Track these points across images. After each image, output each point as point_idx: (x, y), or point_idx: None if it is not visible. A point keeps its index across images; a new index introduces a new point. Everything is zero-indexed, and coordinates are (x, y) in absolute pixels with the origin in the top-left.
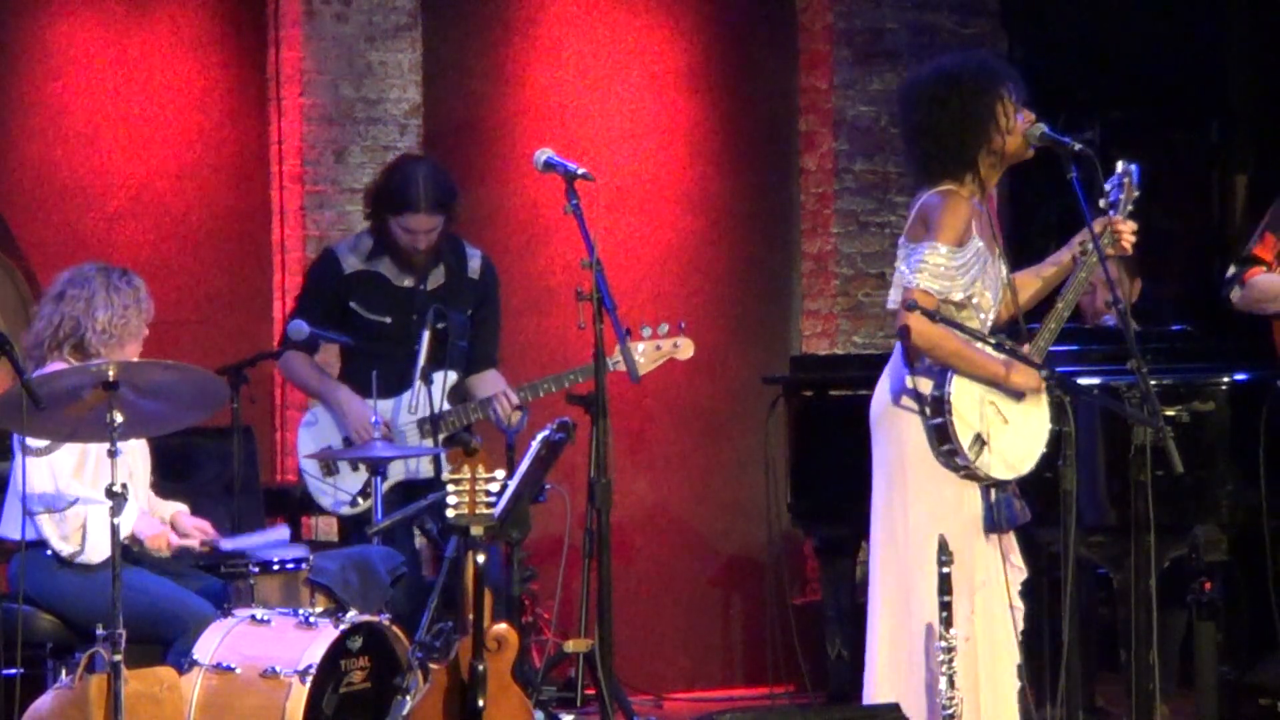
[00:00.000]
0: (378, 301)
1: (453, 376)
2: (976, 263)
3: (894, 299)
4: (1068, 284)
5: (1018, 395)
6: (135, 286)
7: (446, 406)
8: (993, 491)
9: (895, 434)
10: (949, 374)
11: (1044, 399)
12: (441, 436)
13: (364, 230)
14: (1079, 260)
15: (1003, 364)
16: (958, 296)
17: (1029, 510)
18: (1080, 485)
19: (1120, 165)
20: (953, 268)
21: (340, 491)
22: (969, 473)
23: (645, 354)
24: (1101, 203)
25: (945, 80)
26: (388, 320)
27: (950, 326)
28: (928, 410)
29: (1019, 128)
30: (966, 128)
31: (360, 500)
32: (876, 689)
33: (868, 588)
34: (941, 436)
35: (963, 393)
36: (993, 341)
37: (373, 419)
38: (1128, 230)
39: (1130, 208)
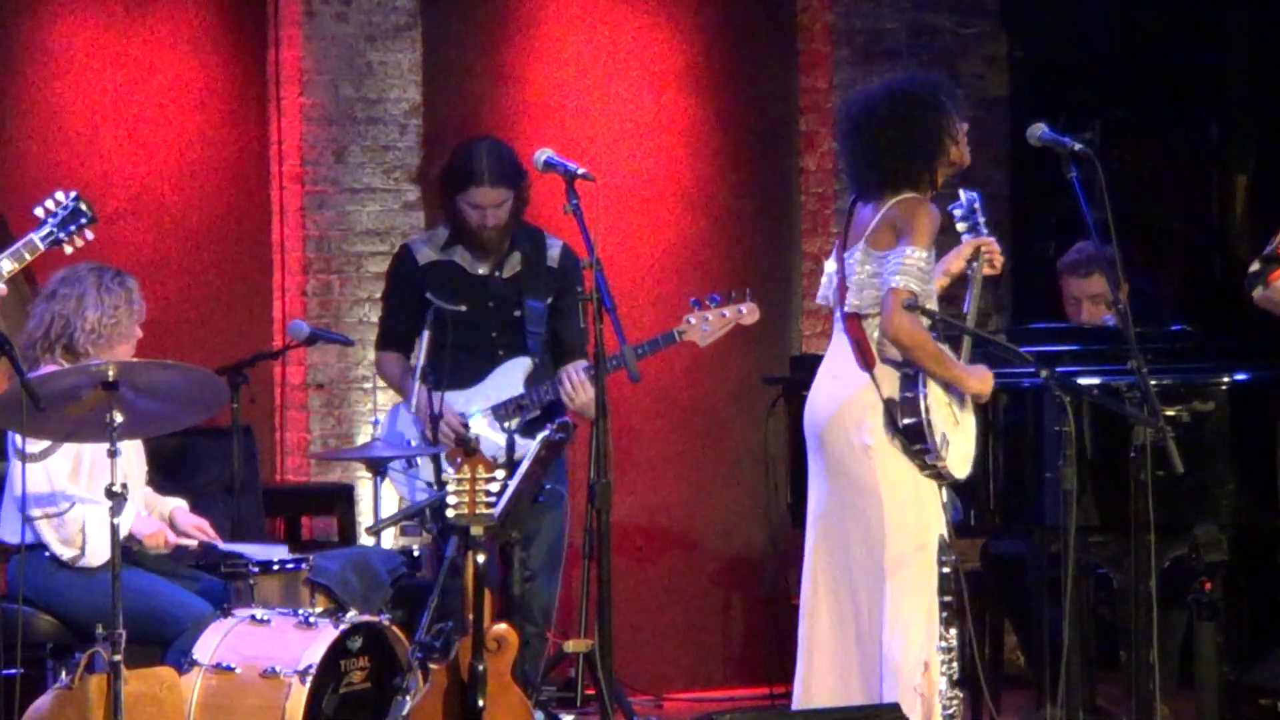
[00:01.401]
0: (453, 290)
1: (527, 363)
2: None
3: (852, 303)
4: (967, 300)
5: (959, 397)
6: (128, 288)
7: (520, 391)
8: (943, 490)
9: (859, 437)
10: (921, 375)
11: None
12: (518, 421)
13: (441, 224)
14: (970, 272)
15: (963, 371)
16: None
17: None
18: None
19: (962, 194)
20: (926, 271)
21: (419, 481)
22: (934, 472)
23: (712, 321)
24: (960, 226)
25: (905, 98)
26: (463, 308)
27: (945, 322)
28: (897, 412)
29: (960, 136)
30: (930, 140)
31: (433, 486)
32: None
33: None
34: (915, 437)
35: (936, 395)
36: (991, 339)
37: (456, 419)
38: (996, 250)
39: (985, 230)
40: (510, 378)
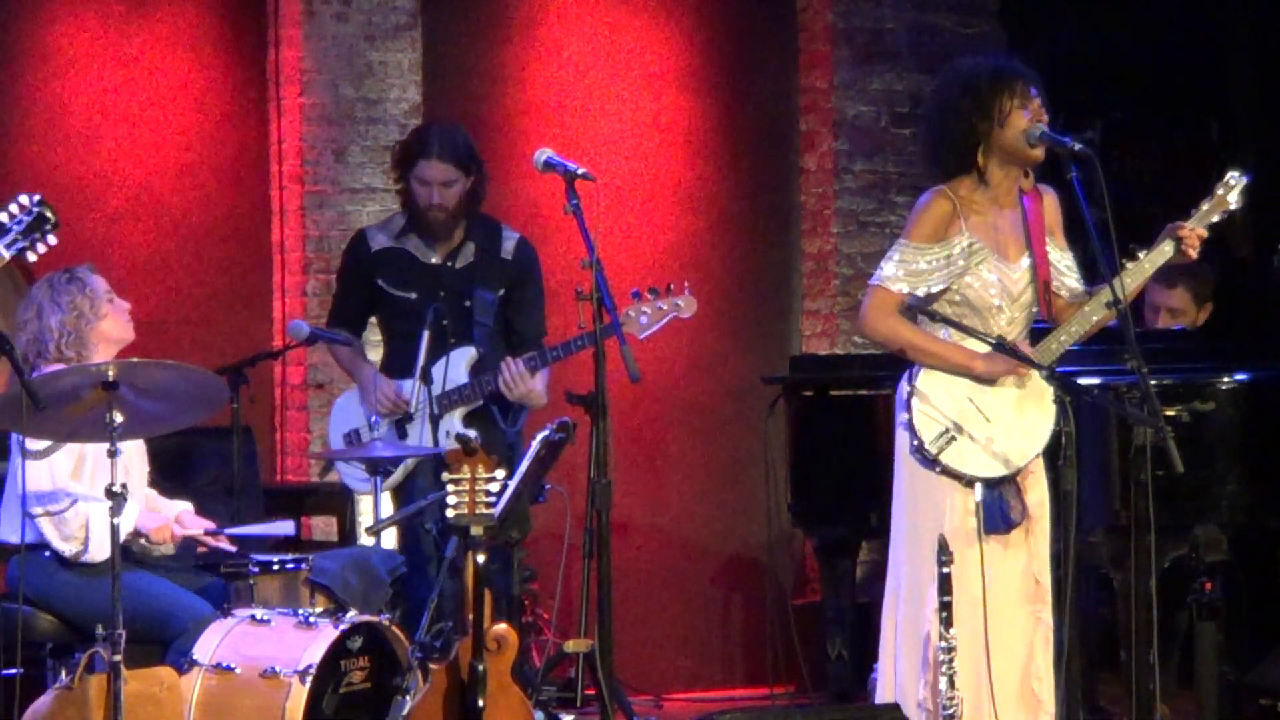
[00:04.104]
0: (404, 278)
1: (472, 353)
2: (955, 260)
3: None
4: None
5: (1005, 391)
6: (79, 279)
7: (465, 380)
8: (978, 489)
9: (896, 434)
10: (917, 370)
11: (1047, 396)
12: (462, 411)
13: (398, 211)
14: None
15: (969, 355)
16: (921, 291)
17: (1026, 511)
18: (1081, 485)
19: (1231, 175)
20: (919, 263)
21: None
22: (944, 469)
23: (649, 314)
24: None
25: (939, 84)
26: (413, 296)
27: (945, 323)
28: (902, 408)
29: (1016, 122)
30: (939, 127)
31: (391, 469)
32: (881, 689)
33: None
34: (910, 433)
35: (931, 388)
36: (992, 339)
37: (392, 390)
38: (1192, 237)
39: (1216, 218)
40: (454, 368)
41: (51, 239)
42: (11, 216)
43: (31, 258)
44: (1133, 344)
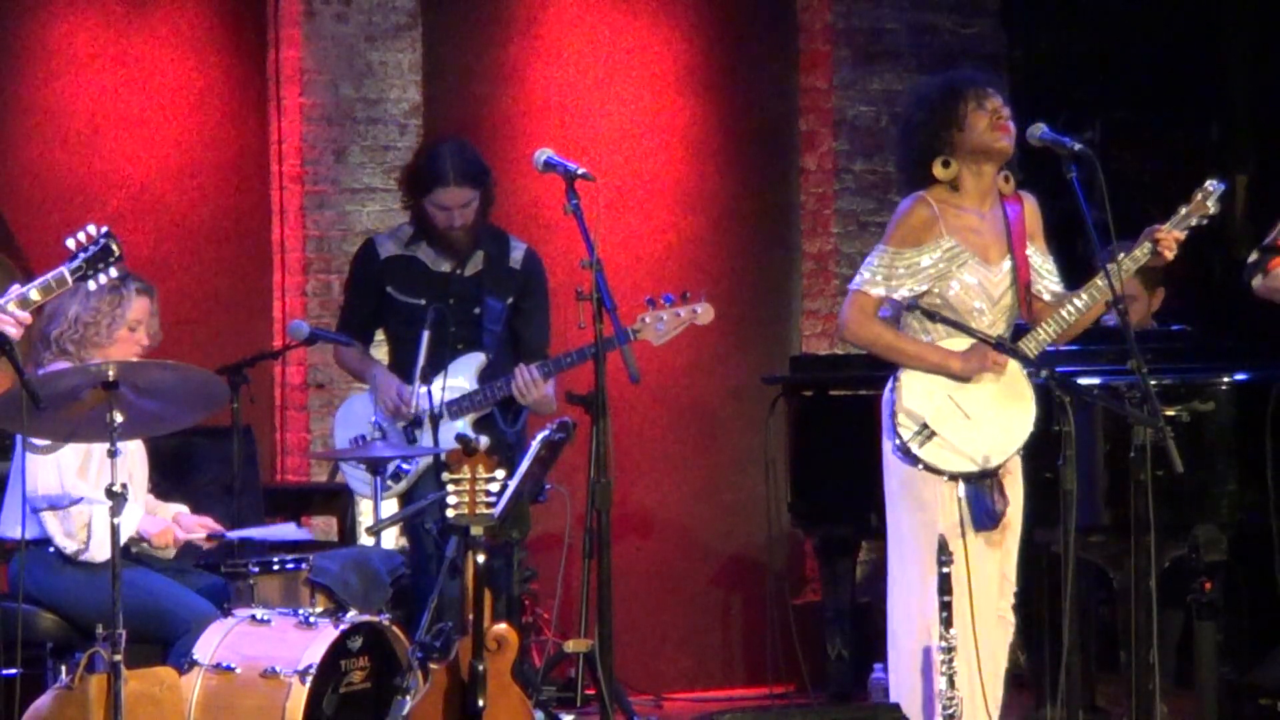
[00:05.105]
0: (413, 285)
1: (481, 359)
2: (936, 263)
3: None
4: (1083, 287)
5: (984, 388)
6: (121, 293)
7: (474, 387)
8: (961, 486)
9: (883, 436)
10: (896, 372)
11: (1026, 393)
12: (472, 418)
13: (407, 221)
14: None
15: (946, 355)
16: (900, 294)
17: (1008, 505)
18: (1080, 485)
19: (1209, 184)
20: (899, 267)
21: (379, 477)
22: (926, 466)
23: (667, 321)
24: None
25: (909, 99)
26: (422, 303)
27: (944, 322)
28: (888, 409)
29: (975, 123)
30: (911, 136)
31: (402, 473)
32: (891, 687)
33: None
34: (893, 432)
35: (911, 386)
36: (991, 339)
37: (402, 392)
38: (1169, 239)
39: (1194, 223)
40: (463, 373)
41: (114, 271)
42: (79, 244)
43: (91, 286)
44: (1133, 344)
